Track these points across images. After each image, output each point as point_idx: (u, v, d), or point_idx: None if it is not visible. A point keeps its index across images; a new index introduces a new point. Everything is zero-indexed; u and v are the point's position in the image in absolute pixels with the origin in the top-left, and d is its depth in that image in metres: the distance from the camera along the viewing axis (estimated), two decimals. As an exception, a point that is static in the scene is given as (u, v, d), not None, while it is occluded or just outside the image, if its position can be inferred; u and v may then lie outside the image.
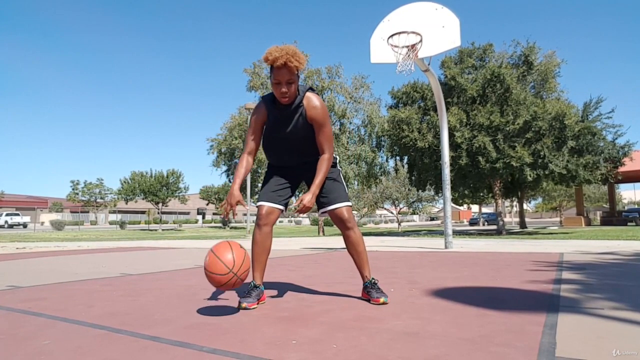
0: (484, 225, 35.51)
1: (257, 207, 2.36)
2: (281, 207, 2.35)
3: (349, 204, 2.35)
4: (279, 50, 2.06)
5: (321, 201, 2.35)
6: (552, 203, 50.47)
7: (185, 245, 9.16)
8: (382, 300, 2.23)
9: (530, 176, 13.02)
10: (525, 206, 31.06)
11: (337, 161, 2.46)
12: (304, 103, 2.21)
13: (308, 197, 2.18)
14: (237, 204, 2.20)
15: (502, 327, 1.72)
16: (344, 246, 7.58)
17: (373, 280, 2.34)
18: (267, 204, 2.31)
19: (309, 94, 2.23)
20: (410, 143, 14.43)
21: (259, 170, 24.51)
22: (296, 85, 2.15)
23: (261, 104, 2.29)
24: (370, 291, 2.31)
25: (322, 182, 2.26)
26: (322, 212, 2.38)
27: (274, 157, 2.40)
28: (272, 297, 2.52)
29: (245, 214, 48.45)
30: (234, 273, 1.94)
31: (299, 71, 2.13)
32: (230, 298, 2.49)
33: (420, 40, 6.31)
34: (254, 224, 2.33)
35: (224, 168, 26.95)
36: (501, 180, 15.42)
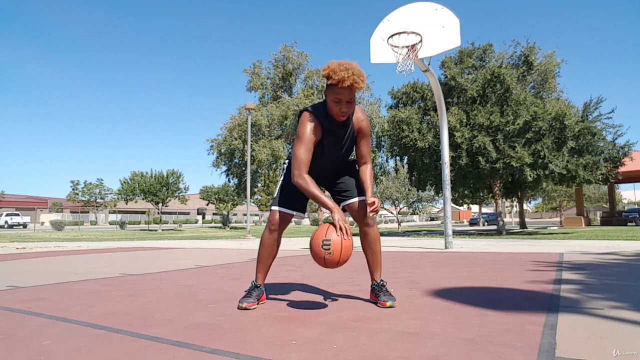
0: (484, 225, 35.48)
1: (270, 210, 2.32)
2: (294, 212, 2.30)
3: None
4: (345, 70, 1.96)
5: (342, 195, 2.32)
6: (552, 203, 50.46)
7: (185, 246, 9.15)
8: (389, 304, 2.19)
9: (530, 176, 13.02)
10: (525, 206, 31.06)
11: None
12: (352, 118, 2.19)
13: (376, 200, 2.15)
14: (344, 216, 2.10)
15: (502, 327, 1.72)
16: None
17: (382, 282, 2.31)
18: (280, 210, 2.26)
19: (355, 107, 2.19)
20: (410, 143, 14.43)
21: (259, 171, 24.50)
22: (354, 103, 2.09)
23: (315, 118, 2.12)
24: (378, 294, 2.27)
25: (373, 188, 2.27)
26: (342, 207, 2.34)
27: (310, 171, 2.21)
28: (272, 297, 2.52)
29: (245, 214, 48.43)
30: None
31: (362, 90, 2.08)
32: (230, 298, 2.49)
33: (420, 41, 6.31)
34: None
35: (224, 168, 26.96)
36: (501, 181, 15.42)
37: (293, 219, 2.38)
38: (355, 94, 2.05)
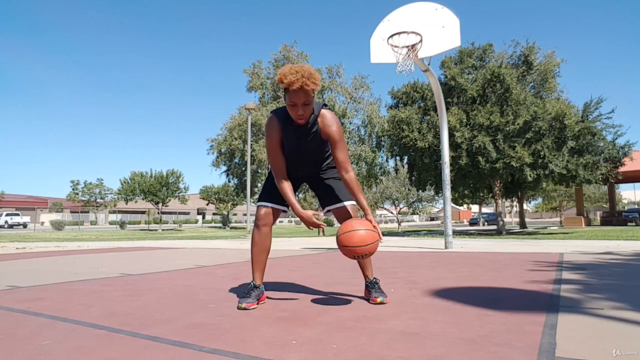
0: (484, 225, 35.49)
1: (256, 207, 2.37)
2: (280, 207, 2.34)
3: (354, 202, 2.34)
4: (294, 74, 1.98)
5: (326, 200, 2.36)
6: (552, 203, 50.49)
7: (185, 246, 9.15)
8: (379, 300, 2.24)
9: (530, 176, 13.03)
10: (525, 206, 31.07)
11: None
12: (318, 121, 2.18)
13: (373, 221, 2.16)
14: (315, 217, 2.19)
15: (502, 327, 1.72)
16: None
17: (374, 280, 2.36)
18: (266, 204, 2.31)
19: (323, 112, 2.18)
20: (410, 143, 14.43)
21: (259, 171, 24.50)
22: (312, 105, 2.10)
23: (274, 122, 2.18)
24: (370, 290, 2.33)
25: (366, 201, 2.22)
26: (327, 211, 2.39)
27: (288, 170, 2.35)
28: (272, 297, 2.52)
29: (245, 214, 48.46)
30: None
31: (315, 92, 2.06)
32: (230, 298, 2.49)
33: (420, 40, 6.31)
34: (253, 224, 2.33)
35: (224, 168, 26.94)
36: (501, 180, 15.42)
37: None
38: (311, 96, 2.04)
